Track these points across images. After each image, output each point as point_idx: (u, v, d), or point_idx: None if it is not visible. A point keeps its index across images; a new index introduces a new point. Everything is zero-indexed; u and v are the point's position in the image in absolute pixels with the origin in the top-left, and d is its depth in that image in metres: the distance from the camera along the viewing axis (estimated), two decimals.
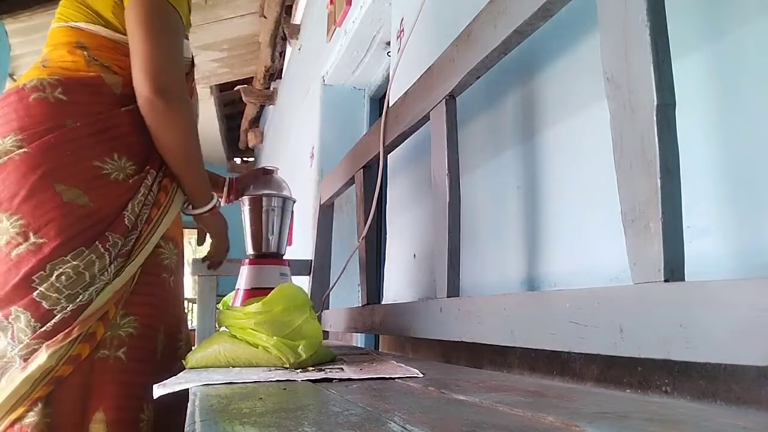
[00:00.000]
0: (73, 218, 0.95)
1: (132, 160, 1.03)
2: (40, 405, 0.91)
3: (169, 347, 1.07)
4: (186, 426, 0.56)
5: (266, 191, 1.42)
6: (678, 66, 0.60)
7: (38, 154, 0.96)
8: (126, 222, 1.00)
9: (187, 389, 0.76)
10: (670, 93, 0.59)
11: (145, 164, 1.05)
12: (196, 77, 1.28)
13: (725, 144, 0.65)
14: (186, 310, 1.48)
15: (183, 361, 1.03)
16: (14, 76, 4.35)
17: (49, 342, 0.91)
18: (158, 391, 0.78)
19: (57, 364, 0.91)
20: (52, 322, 0.92)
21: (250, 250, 1.42)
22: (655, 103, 0.58)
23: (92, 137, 1.00)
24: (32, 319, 0.92)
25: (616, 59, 0.64)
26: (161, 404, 1.00)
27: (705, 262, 0.64)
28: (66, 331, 0.92)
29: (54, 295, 0.93)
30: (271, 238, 1.42)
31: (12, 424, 0.90)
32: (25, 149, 0.96)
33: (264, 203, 1.42)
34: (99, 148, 1.00)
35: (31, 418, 0.90)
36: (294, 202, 1.49)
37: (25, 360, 0.91)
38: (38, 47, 4.13)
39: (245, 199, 1.44)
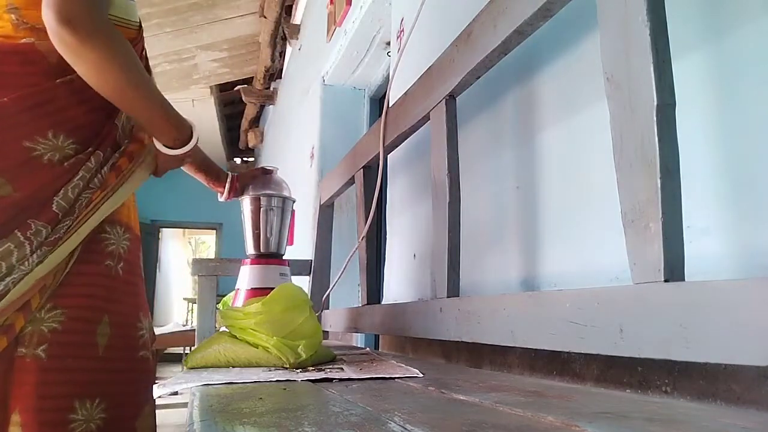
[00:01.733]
0: None
1: (71, 137, 0.91)
2: None
3: (120, 338, 0.98)
4: (186, 426, 0.56)
5: (266, 191, 1.42)
6: (678, 66, 0.60)
7: None
8: (54, 208, 0.88)
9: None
10: (670, 93, 0.59)
11: (89, 143, 0.93)
12: (195, 77, 1.24)
13: (725, 144, 0.65)
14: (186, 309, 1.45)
15: (144, 350, 0.98)
16: None
17: None
18: (158, 391, 0.78)
19: None
20: None
21: (250, 250, 1.42)
22: (655, 103, 0.58)
23: (24, 113, 0.88)
24: None
25: (616, 59, 0.64)
26: (119, 402, 0.95)
27: (705, 262, 0.64)
28: None
29: None
30: (270, 238, 1.42)
31: None
32: None
33: (264, 203, 1.42)
34: (31, 126, 0.88)
35: None
36: (294, 201, 1.49)
37: None
38: None
39: (245, 199, 1.44)
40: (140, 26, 1.05)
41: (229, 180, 1.38)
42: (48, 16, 0.83)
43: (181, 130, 1.01)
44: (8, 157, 0.86)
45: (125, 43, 0.90)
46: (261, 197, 1.43)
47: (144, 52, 1.07)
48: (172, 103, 1.01)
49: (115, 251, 0.99)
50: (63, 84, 0.90)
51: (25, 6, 0.91)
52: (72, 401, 0.91)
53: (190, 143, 1.03)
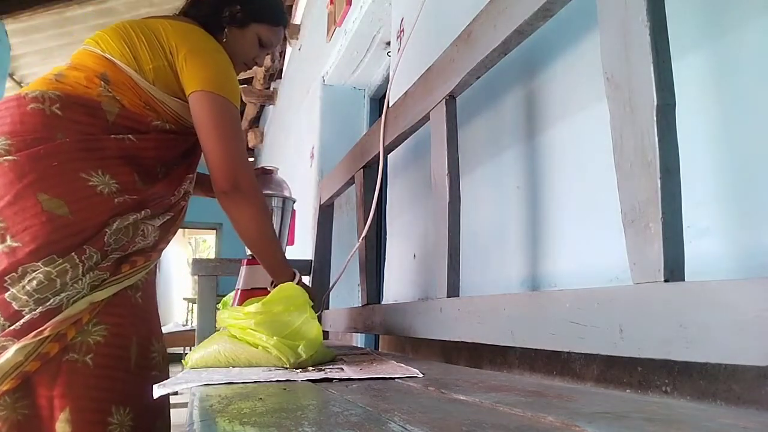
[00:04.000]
0: (50, 227, 0.99)
1: (115, 179, 1.07)
2: (8, 399, 0.96)
3: (142, 358, 1.12)
4: (186, 426, 0.56)
5: (266, 191, 1.42)
6: (678, 66, 0.60)
7: (26, 163, 1.00)
8: (106, 239, 1.05)
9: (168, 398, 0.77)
10: (670, 93, 0.59)
11: (132, 191, 1.10)
12: None
13: (725, 144, 0.65)
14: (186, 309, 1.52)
15: (156, 372, 1.12)
16: (14, 76, 4.35)
17: (20, 339, 0.96)
18: (158, 391, 0.78)
19: (26, 360, 0.96)
20: (20, 322, 0.97)
21: (249, 251, 1.42)
22: (655, 103, 0.58)
23: (80, 152, 1.05)
24: (1, 318, 0.97)
25: (616, 59, 0.64)
26: (141, 412, 1.07)
27: (705, 262, 0.64)
28: (38, 330, 0.96)
29: (24, 297, 0.97)
30: None
31: None
32: (14, 157, 1.01)
33: None
34: (86, 163, 1.05)
35: (1, 411, 0.96)
36: (294, 201, 1.49)
37: None
38: (38, 47, 4.14)
39: None
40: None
41: None
42: (221, 181, 1.11)
43: (283, 277, 1.22)
44: (67, 184, 1.02)
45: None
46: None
47: None
48: None
49: (134, 284, 1.12)
50: (115, 140, 1.09)
51: (117, 83, 1.11)
52: (110, 405, 1.03)
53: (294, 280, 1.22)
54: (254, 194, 1.15)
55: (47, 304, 0.98)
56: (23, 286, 0.97)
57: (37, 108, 1.04)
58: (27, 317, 0.97)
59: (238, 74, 1.25)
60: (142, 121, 1.13)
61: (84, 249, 1.01)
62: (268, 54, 1.37)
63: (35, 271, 0.98)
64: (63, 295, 0.99)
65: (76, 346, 1.01)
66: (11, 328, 0.96)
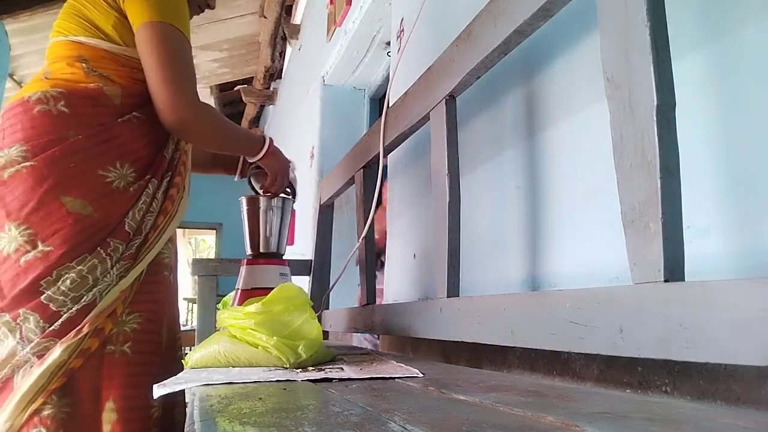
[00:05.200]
0: (77, 228, 1.02)
1: (133, 167, 1.10)
2: (55, 397, 0.98)
3: (171, 339, 1.16)
4: (186, 426, 0.56)
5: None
6: (678, 66, 0.60)
7: (44, 167, 1.02)
8: (127, 228, 1.07)
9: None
10: (670, 93, 0.59)
11: (145, 172, 1.12)
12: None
13: (725, 144, 0.65)
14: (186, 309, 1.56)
15: (180, 352, 1.15)
16: (14, 76, 4.35)
17: (62, 339, 0.98)
18: (158, 391, 0.78)
19: (69, 358, 0.99)
20: (59, 321, 0.99)
21: (250, 250, 1.42)
22: (655, 103, 0.58)
23: (95, 147, 1.06)
24: (41, 320, 0.99)
25: (616, 59, 0.64)
26: (168, 394, 1.06)
27: (705, 262, 0.64)
28: (77, 328, 0.99)
29: (60, 297, 1.00)
30: (270, 238, 1.42)
31: (32, 417, 0.97)
32: (31, 162, 1.02)
33: (263, 203, 1.42)
34: (103, 158, 1.07)
35: (49, 410, 0.98)
36: (294, 201, 1.49)
37: (39, 357, 0.98)
38: (38, 47, 4.13)
39: (243, 200, 1.44)
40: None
41: (240, 162, 1.48)
42: (164, 115, 1.08)
43: (257, 145, 1.28)
44: (87, 183, 1.05)
45: (215, 114, 1.19)
46: (260, 197, 1.43)
47: None
48: None
49: (169, 263, 1.17)
50: (124, 122, 1.10)
51: (95, 59, 1.11)
52: (150, 390, 1.04)
53: (258, 155, 1.28)
54: (202, 122, 1.12)
55: (82, 300, 1.01)
56: (58, 287, 1.00)
57: (43, 110, 1.05)
58: (65, 316, 0.99)
59: (191, 17, 1.24)
60: (141, 93, 1.12)
61: (108, 242, 1.04)
62: None
63: (69, 271, 1.00)
64: (95, 289, 1.02)
65: (113, 338, 1.04)
66: (51, 329, 0.98)
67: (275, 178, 1.37)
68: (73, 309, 1.00)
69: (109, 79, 1.10)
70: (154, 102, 1.08)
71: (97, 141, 1.06)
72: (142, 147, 1.12)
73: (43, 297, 0.99)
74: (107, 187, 1.06)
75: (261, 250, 1.42)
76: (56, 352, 0.97)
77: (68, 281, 1.00)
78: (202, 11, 1.34)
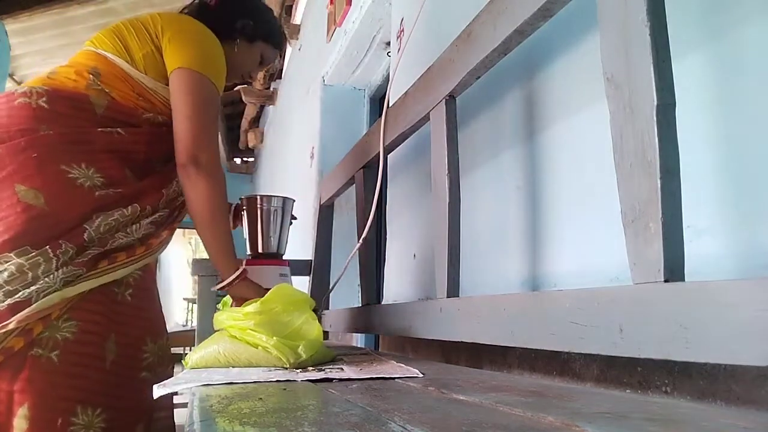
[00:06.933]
0: (23, 217, 0.98)
1: (101, 172, 1.06)
2: None
3: (125, 357, 1.08)
4: (186, 426, 0.56)
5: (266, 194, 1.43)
6: (678, 66, 0.60)
7: (6, 155, 1.00)
8: (85, 237, 1.01)
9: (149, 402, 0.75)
10: (670, 93, 0.59)
11: (118, 185, 1.08)
12: None
13: (725, 144, 0.65)
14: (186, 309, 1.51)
15: (147, 372, 1.09)
16: (14, 76, 4.35)
17: None
18: (158, 391, 0.78)
19: None
20: None
21: (249, 250, 1.42)
22: (655, 103, 0.58)
23: (64, 145, 1.04)
24: None
25: (616, 59, 0.64)
26: (117, 415, 1.03)
27: (705, 262, 0.64)
28: (2, 323, 0.95)
29: None
30: (271, 238, 1.42)
31: None
32: None
33: (264, 204, 1.42)
34: (69, 155, 1.04)
35: None
36: (293, 202, 1.49)
37: None
38: (38, 47, 4.14)
39: (243, 200, 1.44)
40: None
41: (231, 211, 1.42)
42: (181, 154, 1.08)
43: (229, 268, 1.15)
44: (45, 175, 1.01)
45: (224, 185, 1.14)
46: (260, 198, 1.43)
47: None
48: None
49: (132, 282, 1.11)
50: (104, 133, 1.08)
51: (107, 74, 1.11)
52: (75, 405, 0.99)
53: (227, 280, 1.15)
54: (213, 172, 1.10)
55: (16, 296, 0.96)
56: None
57: (24, 102, 1.05)
58: None
59: (233, 84, 1.28)
60: (133, 114, 1.13)
61: (59, 243, 0.99)
62: (260, 72, 1.40)
63: (7, 262, 0.96)
64: (33, 288, 0.97)
65: (43, 342, 0.98)
66: None
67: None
68: (4, 303, 0.95)
69: (103, 92, 1.10)
70: (174, 137, 1.09)
71: (68, 140, 1.05)
72: (113, 160, 1.08)
73: None
74: (67, 181, 1.02)
75: (260, 251, 1.42)
76: None
77: (6, 273, 0.95)
78: (243, 81, 1.38)
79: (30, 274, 0.97)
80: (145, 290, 1.14)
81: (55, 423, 0.97)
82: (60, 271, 0.99)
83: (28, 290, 0.96)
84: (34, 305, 0.96)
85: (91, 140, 1.07)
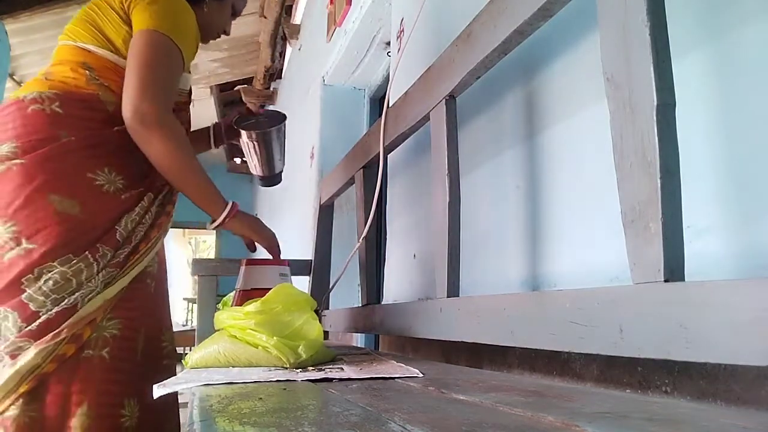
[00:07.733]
0: (63, 227, 1.01)
1: (121, 175, 1.09)
2: (22, 401, 0.96)
3: (151, 347, 1.13)
4: (186, 426, 0.56)
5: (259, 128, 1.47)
6: (678, 66, 0.60)
7: (33, 165, 1.02)
8: (117, 237, 1.06)
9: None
10: (670, 93, 0.59)
11: (137, 183, 1.11)
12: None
13: (725, 144, 0.65)
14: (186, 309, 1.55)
15: (168, 360, 1.13)
16: (14, 76, 4.35)
17: (37, 341, 0.96)
18: (158, 391, 0.78)
19: (43, 362, 0.97)
20: (37, 322, 0.98)
21: (258, 171, 1.50)
22: (655, 103, 0.58)
23: (85, 150, 1.06)
24: (19, 320, 0.98)
25: (616, 59, 0.64)
26: (148, 404, 1.07)
27: (705, 262, 0.64)
28: (55, 332, 0.97)
29: (40, 298, 0.98)
30: (272, 161, 1.48)
31: None
32: (21, 160, 1.02)
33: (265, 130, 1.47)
34: (92, 162, 1.07)
35: (12, 411, 0.95)
36: (285, 117, 1.55)
37: (12, 356, 0.96)
38: (38, 47, 4.13)
39: (244, 133, 1.47)
40: (190, 91, 1.28)
41: (211, 131, 1.47)
42: (125, 111, 1.04)
43: (216, 210, 1.15)
44: (76, 184, 1.04)
45: (183, 137, 1.10)
46: (259, 127, 1.48)
47: (189, 115, 1.30)
48: None
49: (152, 271, 1.16)
50: (118, 132, 1.09)
51: (100, 68, 1.12)
52: (123, 398, 1.05)
53: (217, 220, 1.16)
54: (162, 123, 1.04)
55: (63, 303, 0.99)
56: (39, 287, 0.98)
57: (37, 109, 1.05)
58: (43, 317, 0.98)
59: (207, 42, 1.29)
60: None
61: (97, 248, 1.03)
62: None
63: (51, 271, 0.99)
64: (78, 294, 1.00)
65: (92, 342, 1.02)
66: (28, 329, 0.97)
67: (259, 238, 1.26)
68: (53, 311, 0.98)
69: (108, 88, 1.11)
70: (123, 100, 1.05)
71: (87, 144, 1.06)
72: (130, 157, 1.09)
73: (23, 296, 0.98)
74: (96, 189, 1.06)
75: (268, 173, 1.50)
76: (30, 354, 0.95)
77: (50, 282, 0.98)
78: (218, 37, 1.36)
79: (74, 281, 1.00)
80: (161, 281, 1.20)
81: (110, 418, 1.02)
82: (100, 274, 1.03)
83: (73, 297, 1.00)
84: (80, 311, 1.00)
85: (106, 141, 1.09)
